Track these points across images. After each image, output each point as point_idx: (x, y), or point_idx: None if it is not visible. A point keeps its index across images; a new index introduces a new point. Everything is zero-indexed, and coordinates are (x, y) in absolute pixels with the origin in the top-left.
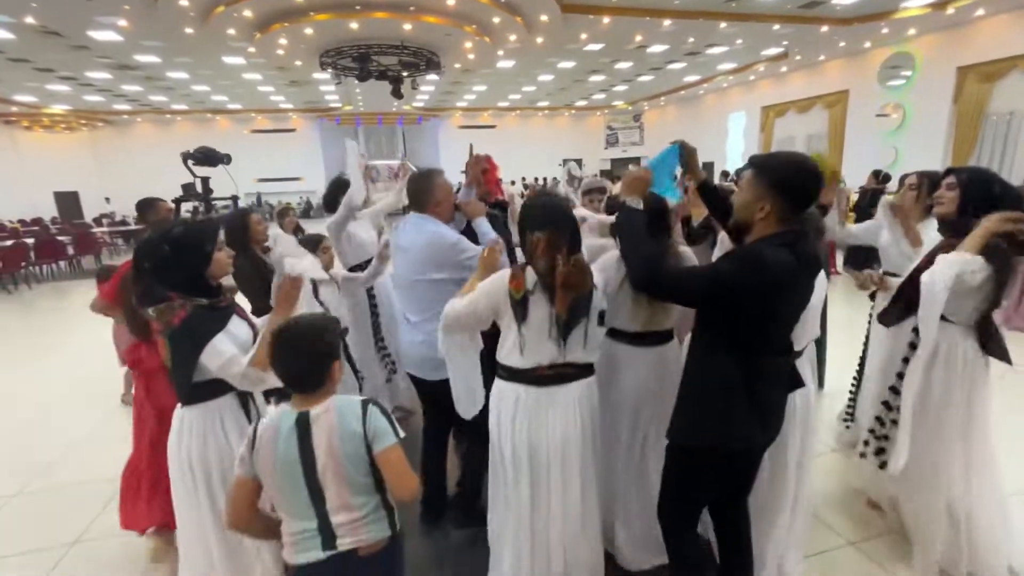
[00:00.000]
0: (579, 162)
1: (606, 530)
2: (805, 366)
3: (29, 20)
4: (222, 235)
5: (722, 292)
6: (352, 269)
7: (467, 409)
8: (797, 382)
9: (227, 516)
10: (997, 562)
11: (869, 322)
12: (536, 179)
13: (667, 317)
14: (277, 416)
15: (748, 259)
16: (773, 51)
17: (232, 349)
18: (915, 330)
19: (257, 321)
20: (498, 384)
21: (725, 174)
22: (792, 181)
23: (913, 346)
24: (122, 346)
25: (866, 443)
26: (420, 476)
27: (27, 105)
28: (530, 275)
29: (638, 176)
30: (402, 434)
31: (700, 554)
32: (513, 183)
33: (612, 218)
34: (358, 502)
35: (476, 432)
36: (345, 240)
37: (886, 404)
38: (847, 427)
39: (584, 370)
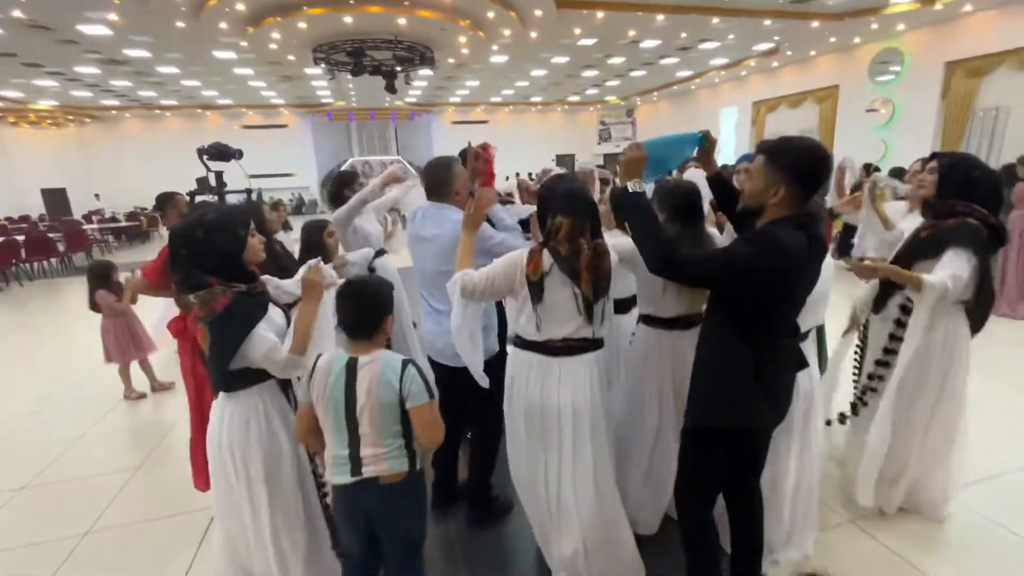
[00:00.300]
0: (572, 158)
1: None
2: (809, 349)
3: (17, 14)
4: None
5: (738, 275)
6: None
7: (484, 377)
8: (802, 362)
9: (294, 431)
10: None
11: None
12: (530, 174)
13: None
14: (333, 357)
15: (765, 242)
16: (764, 46)
17: (274, 337)
18: (901, 307)
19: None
20: (512, 350)
21: (722, 167)
22: (806, 167)
23: (898, 323)
24: (110, 343)
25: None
26: (431, 462)
27: (13, 101)
28: (546, 257)
29: (632, 158)
30: (435, 392)
31: (713, 539)
32: (507, 179)
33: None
34: (385, 441)
35: (486, 421)
36: (351, 232)
37: (870, 376)
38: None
39: (595, 343)
